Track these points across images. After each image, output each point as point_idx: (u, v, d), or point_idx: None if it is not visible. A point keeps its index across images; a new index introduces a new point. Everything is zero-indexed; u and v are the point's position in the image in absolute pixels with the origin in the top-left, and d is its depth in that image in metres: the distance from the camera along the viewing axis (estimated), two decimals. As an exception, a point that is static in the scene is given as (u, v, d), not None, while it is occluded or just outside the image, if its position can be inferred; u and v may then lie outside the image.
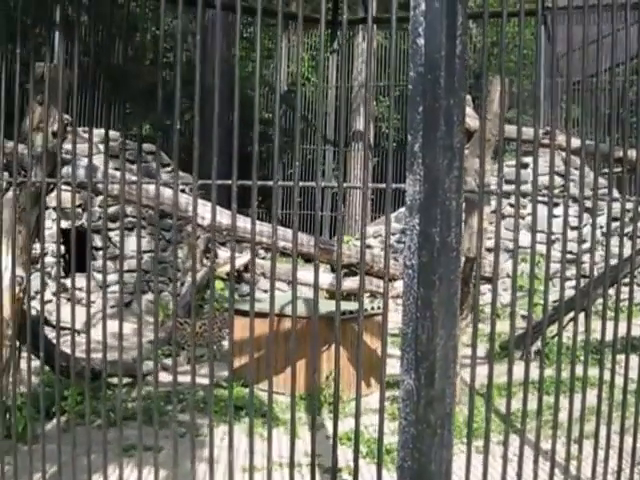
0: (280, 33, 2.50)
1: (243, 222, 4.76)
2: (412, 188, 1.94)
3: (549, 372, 3.48)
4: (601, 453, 2.56)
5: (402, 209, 10.34)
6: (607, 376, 2.54)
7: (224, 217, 4.45)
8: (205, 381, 4.93)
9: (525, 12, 2.36)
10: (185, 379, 3.05)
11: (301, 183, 2.17)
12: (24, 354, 3.63)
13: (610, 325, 2.50)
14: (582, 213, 2.44)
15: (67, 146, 3.22)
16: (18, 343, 3.11)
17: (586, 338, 2.42)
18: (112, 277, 8.05)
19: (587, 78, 2.37)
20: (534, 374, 2.49)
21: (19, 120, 2.79)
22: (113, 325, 2.45)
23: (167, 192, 3.99)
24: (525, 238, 8.21)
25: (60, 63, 2.52)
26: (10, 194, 3.40)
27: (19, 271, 3.53)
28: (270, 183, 2.19)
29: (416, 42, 1.99)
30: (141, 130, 4.60)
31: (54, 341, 3.43)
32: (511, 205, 9.74)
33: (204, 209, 4.30)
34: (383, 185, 2.20)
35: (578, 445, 2.41)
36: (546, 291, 2.27)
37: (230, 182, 2.15)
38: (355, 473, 2.09)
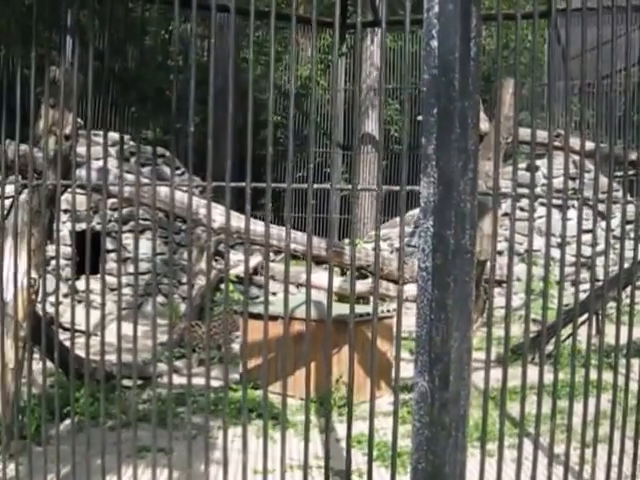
0: (293, 36, 2.49)
1: (252, 225, 4.76)
2: (426, 190, 1.94)
3: (560, 376, 3.46)
4: (615, 459, 2.54)
5: (411, 212, 10.31)
6: (621, 381, 2.52)
7: (233, 219, 4.47)
8: (215, 383, 4.96)
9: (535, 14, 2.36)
10: (194, 381, 3.06)
11: (315, 185, 2.17)
12: (35, 355, 3.65)
13: (622, 328, 2.49)
14: (596, 216, 2.42)
15: (78, 149, 3.24)
16: (30, 344, 3.12)
17: (600, 341, 2.41)
18: (122, 280, 8.07)
19: (597, 80, 2.36)
20: (545, 378, 2.47)
21: (33, 123, 2.81)
22: (123, 327, 2.46)
23: (177, 194, 4.00)
24: (535, 241, 8.17)
25: (75, 66, 2.53)
26: (23, 197, 3.42)
27: (32, 273, 3.56)
28: (284, 185, 2.19)
29: (430, 44, 1.99)
30: (155, 133, 4.63)
31: (65, 343, 3.45)
32: (521, 209, 9.71)
33: (214, 212, 4.32)
34: (397, 187, 2.20)
35: (592, 449, 2.39)
36: (560, 294, 2.26)
37: (244, 184, 2.15)
38: (369, 475, 2.09)
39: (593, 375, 2.45)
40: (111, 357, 2.57)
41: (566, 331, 5.43)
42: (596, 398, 2.40)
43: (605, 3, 2.31)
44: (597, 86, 2.29)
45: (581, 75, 2.24)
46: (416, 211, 10.45)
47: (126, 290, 8.77)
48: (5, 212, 3.57)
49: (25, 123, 2.65)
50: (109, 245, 9.15)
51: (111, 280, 8.36)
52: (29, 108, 2.66)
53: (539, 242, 9.46)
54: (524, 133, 4.95)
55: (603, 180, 4.29)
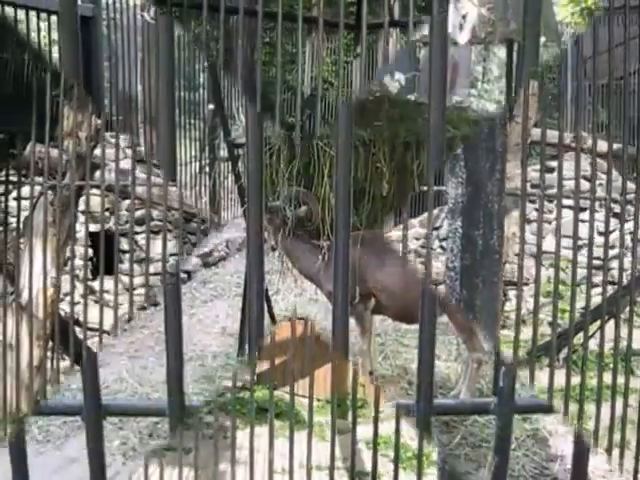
0: (320, 39, 2.52)
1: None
2: (454, 191, 1.94)
3: (578, 379, 3.43)
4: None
5: (424, 215, 10.26)
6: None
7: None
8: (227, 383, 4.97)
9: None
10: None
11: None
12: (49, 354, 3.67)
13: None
14: (623, 218, 2.41)
15: (98, 151, 3.28)
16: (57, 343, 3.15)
17: (628, 343, 2.39)
18: (139, 280, 8.12)
19: (624, 79, 2.34)
20: (561, 381, 2.45)
21: (61, 125, 2.84)
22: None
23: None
24: (552, 243, 8.08)
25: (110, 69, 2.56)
26: (43, 198, 3.45)
27: (53, 272, 3.59)
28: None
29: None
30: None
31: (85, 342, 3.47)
32: (536, 210, 9.62)
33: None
34: (423, 188, 2.20)
35: (619, 450, 2.38)
36: (588, 295, 2.25)
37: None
38: (395, 475, 2.09)
39: (607, 378, 2.42)
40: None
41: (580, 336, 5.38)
42: (624, 400, 2.38)
43: (632, 3, 2.29)
44: (625, 85, 2.27)
45: (609, 74, 2.23)
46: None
47: (142, 290, 8.80)
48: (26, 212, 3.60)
49: (51, 124, 2.67)
50: (125, 246, 9.19)
51: (125, 280, 8.39)
52: (55, 111, 2.68)
53: (552, 243, 9.37)
54: (538, 133, 4.91)
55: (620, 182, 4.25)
